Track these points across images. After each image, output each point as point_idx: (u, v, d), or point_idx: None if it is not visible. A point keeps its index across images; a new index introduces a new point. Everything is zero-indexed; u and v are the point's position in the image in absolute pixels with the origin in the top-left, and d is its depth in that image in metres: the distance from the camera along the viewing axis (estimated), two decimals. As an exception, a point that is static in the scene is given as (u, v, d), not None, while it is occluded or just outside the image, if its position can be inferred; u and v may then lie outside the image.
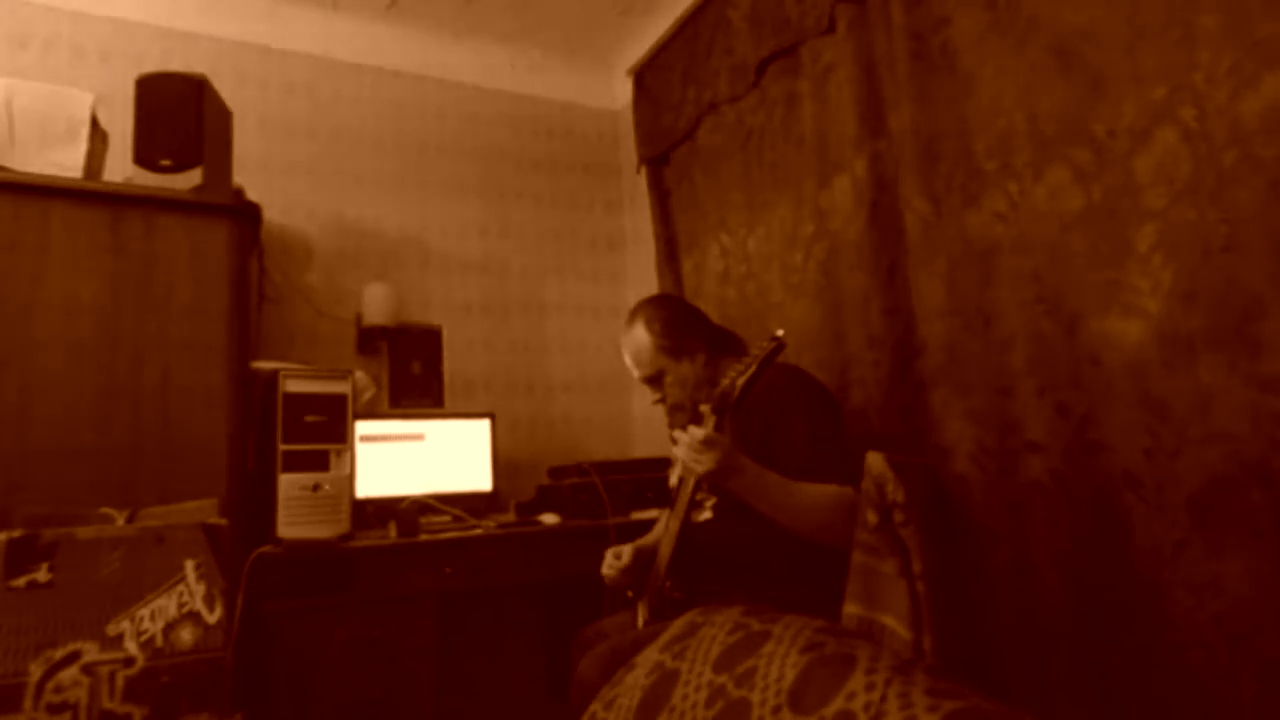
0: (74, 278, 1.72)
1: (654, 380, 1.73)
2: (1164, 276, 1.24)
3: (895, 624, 1.29)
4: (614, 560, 1.69)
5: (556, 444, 2.97)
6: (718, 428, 1.36)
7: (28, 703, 1.31)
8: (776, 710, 0.82)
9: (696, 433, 1.34)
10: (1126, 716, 1.27)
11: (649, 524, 2.11)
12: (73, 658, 1.36)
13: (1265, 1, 1.13)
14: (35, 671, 1.33)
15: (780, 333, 1.35)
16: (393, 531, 2.04)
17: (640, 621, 1.63)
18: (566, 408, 3.04)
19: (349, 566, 1.93)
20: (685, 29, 2.64)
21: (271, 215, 2.46)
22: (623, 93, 3.17)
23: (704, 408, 1.39)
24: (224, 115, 2.02)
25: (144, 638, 1.41)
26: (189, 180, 1.84)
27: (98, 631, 1.39)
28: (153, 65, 2.02)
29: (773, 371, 1.54)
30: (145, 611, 1.43)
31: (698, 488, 1.52)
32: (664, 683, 1.03)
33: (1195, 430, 1.19)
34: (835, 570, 1.40)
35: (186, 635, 1.44)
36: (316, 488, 1.92)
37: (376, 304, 2.63)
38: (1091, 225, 1.35)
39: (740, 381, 1.33)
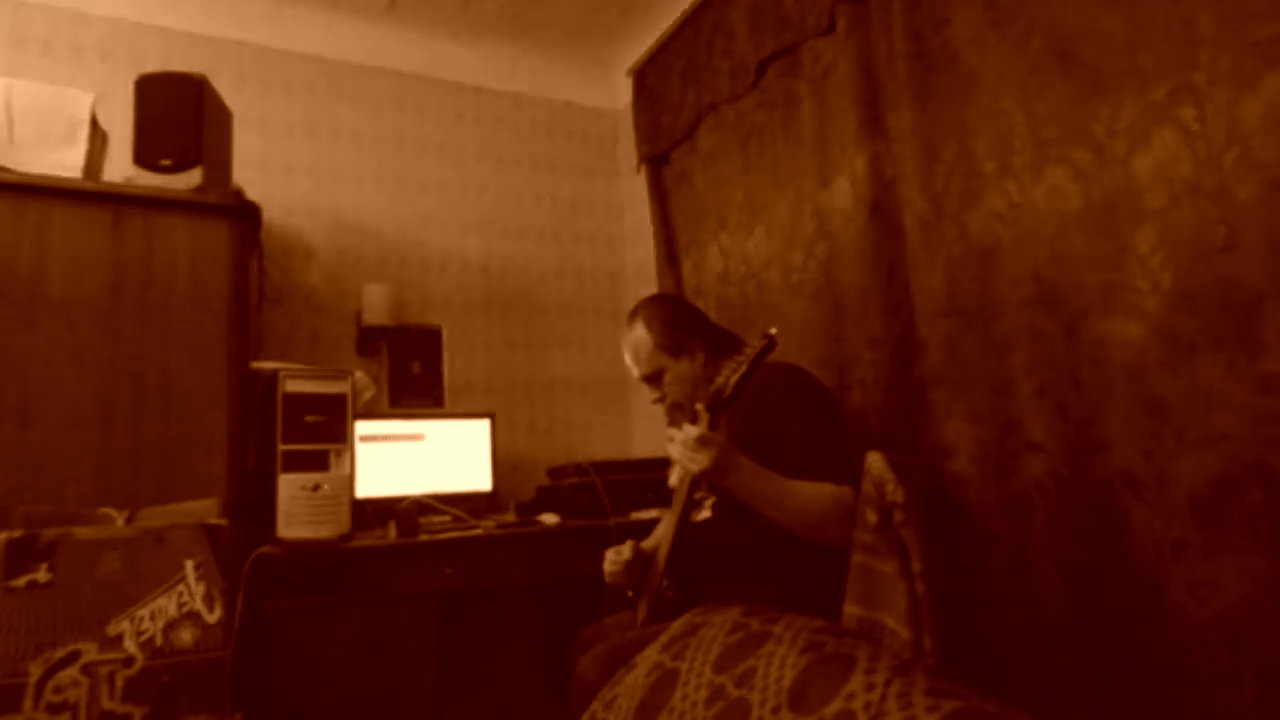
0: (74, 278, 1.72)
1: (653, 379, 1.73)
2: (1164, 276, 1.24)
3: (895, 624, 1.28)
4: (615, 557, 1.69)
5: (556, 444, 2.97)
6: (712, 426, 1.36)
7: (27, 703, 1.31)
8: (776, 710, 0.81)
9: (691, 431, 1.34)
10: (1126, 716, 1.27)
11: (649, 524, 2.11)
12: (72, 658, 1.36)
13: (1265, 1, 1.13)
14: (35, 671, 1.33)
15: (773, 330, 1.35)
16: (392, 531, 2.04)
17: (639, 621, 1.62)
18: (566, 408, 3.04)
19: (349, 566, 1.93)
20: (685, 29, 2.64)
21: (271, 215, 2.47)
22: (623, 93, 3.16)
23: (699, 406, 1.39)
24: (224, 115, 2.02)
25: (144, 638, 1.41)
26: (189, 180, 1.84)
27: (97, 631, 1.39)
28: (153, 65, 2.02)
29: (771, 370, 1.54)
30: (145, 611, 1.42)
31: (695, 486, 1.52)
32: (664, 683, 1.03)
33: (1195, 430, 1.19)
34: (835, 570, 1.40)
35: (186, 635, 1.44)
36: (316, 488, 1.92)
37: (376, 304, 2.63)
38: (1091, 225, 1.35)
39: (733, 380, 1.33)
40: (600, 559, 1.72)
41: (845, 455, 1.46)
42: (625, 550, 1.69)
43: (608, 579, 1.70)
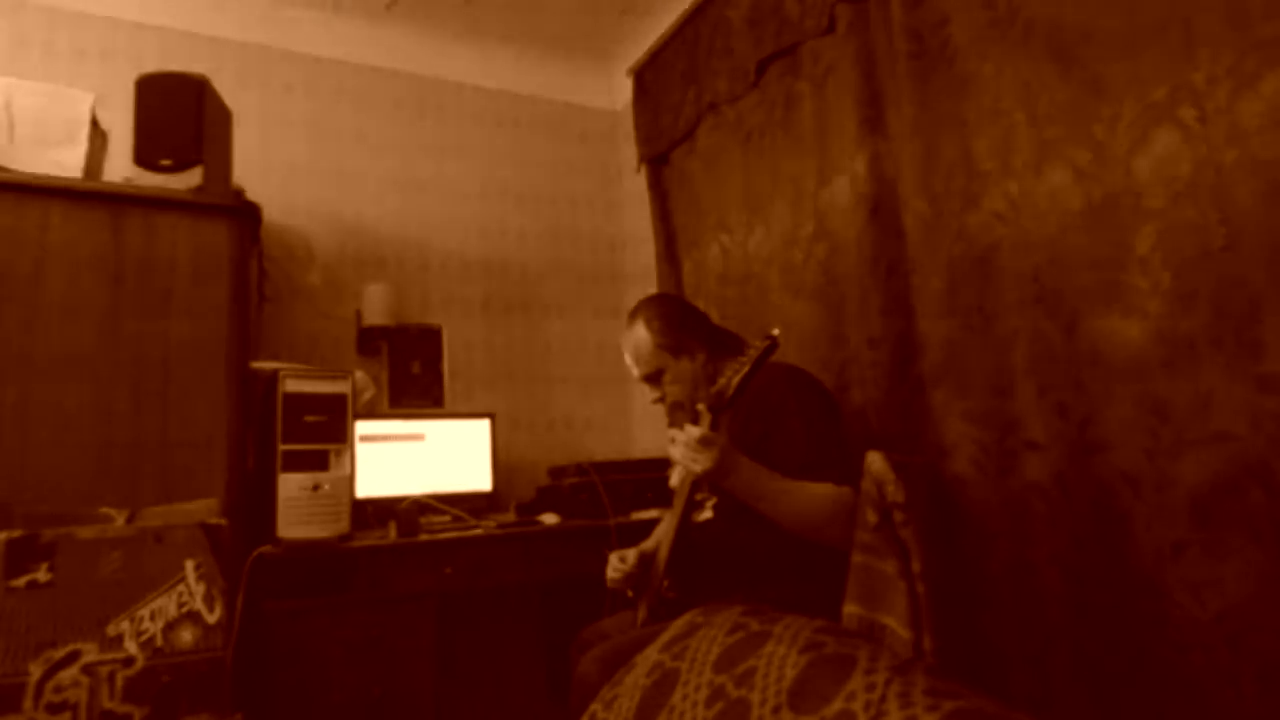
0: (74, 278, 1.72)
1: (653, 378, 1.73)
2: (1164, 276, 1.24)
3: (895, 624, 1.29)
4: (619, 564, 1.68)
5: (556, 444, 2.97)
6: (714, 426, 1.36)
7: (28, 703, 1.31)
8: (776, 710, 0.81)
9: (693, 431, 1.34)
10: (1126, 716, 1.27)
11: (649, 524, 2.10)
12: (73, 658, 1.36)
13: (1265, 1, 1.13)
14: (35, 671, 1.33)
15: (775, 331, 1.35)
16: (393, 531, 2.04)
17: (639, 622, 1.62)
18: (566, 408, 3.04)
19: (349, 566, 1.93)
20: (685, 29, 2.64)
21: (271, 215, 2.47)
22: (623, 93, 3.16)
23: (700, 406, 1.39)
24: (224, 115, 2.02)
25: (144, 638, 1.41)
26: (189, 180, 1.84)
27: (98, 631, 1.38)
28: (153, 65, 2.02)
29: (772, 371, 1.54)
30: (145, 611, 1.42)
31: (697, 487, 1.52)
32: (664, 683, 1.03)
33: (1195, 430, 1.19)
34: (835, 570, 1.40)
35: (186, 635, 1.44)
36: (316, 488, 1.92)
37: (376, 304, 2.63)
38: (1091, 225, 1.35)
39: (735, 380, 1.33)
40: (600, 558, 1.72)
41: (846, 456, 1.46)
42: (630, 558, 1.68)
43: (610, 584, 1.70)
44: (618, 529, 2.17)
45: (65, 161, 1.81)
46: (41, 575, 1.37)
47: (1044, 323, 1.42)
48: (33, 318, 1.68)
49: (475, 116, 3.07)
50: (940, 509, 1.49)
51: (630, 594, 1.72)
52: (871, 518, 1.34)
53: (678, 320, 1.73)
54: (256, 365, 2.03)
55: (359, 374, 2.34)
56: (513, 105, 3.15)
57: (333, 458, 1.99)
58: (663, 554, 1.59)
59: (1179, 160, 1.22)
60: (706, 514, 1.63)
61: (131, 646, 1.40)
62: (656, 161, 2.84)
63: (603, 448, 3.05)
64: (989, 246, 1.54)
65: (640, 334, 1.72)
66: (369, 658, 1.89)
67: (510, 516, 2.38)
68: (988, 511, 1.49)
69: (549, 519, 2.27)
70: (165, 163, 1.83)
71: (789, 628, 0.97)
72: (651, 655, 1.14)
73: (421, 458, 2.47)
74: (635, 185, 3.07)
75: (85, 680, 1.35)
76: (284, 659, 1.81)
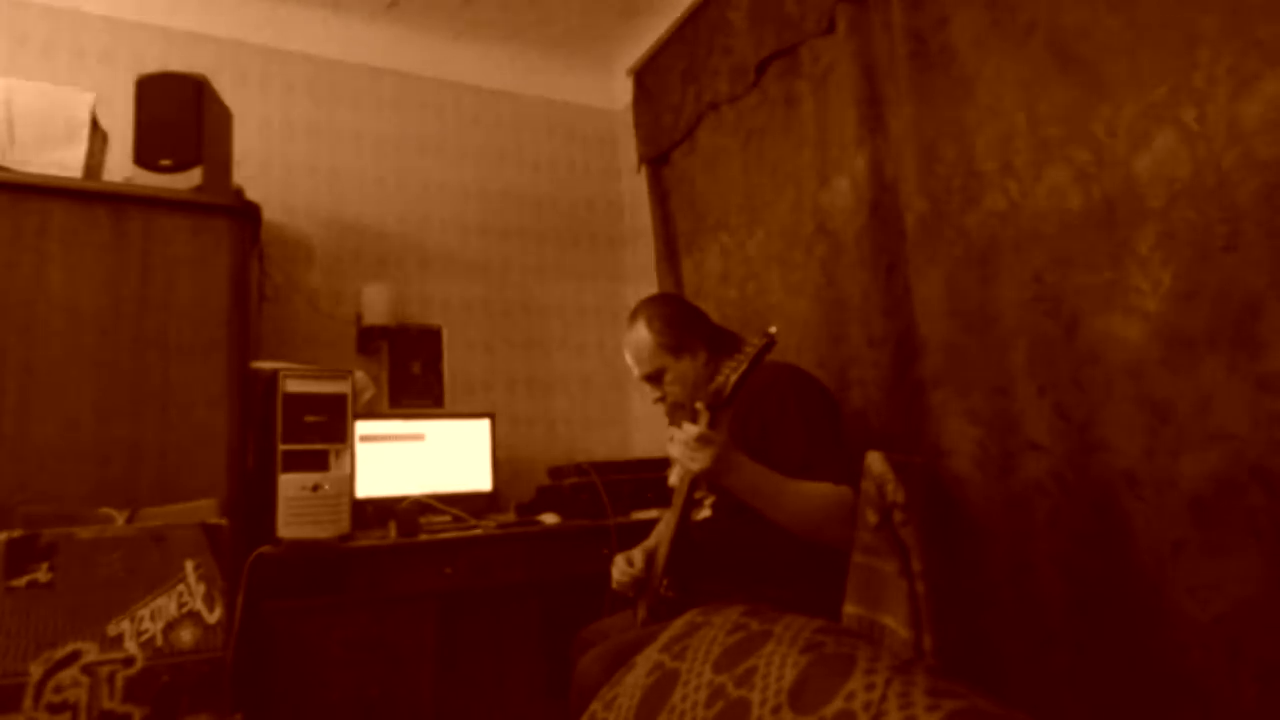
0: (74, 278, 1.72)
1: (654, 378, 1.73)
2: (1164, 276, 1.24)
3: (895, 624, 1.29)
4: (626, 567, 1.68)
5: (556, 444, 2.97)
6: (712, 425, 1.36)
7: (28, 702, 1.31)
8: (776, 710, 0.82)
9: (691, 430, 1.34)
10: (1126, 716, 1.27)
11: (649, 524, 2.10)
12: (73, 658, 1.36)
13: (1265, 1, 1.13)
14: (35, 671, 1.33)
15: (773, 329, 1.35)
16: (393, 531, 2.04)
17: (639, 621, 1.62)
18: (566, 408, 3.04)
19: (349, 566, 1.93)
20: (685, 29, 2.64)
21: (271, 215, 2.47)
22: (623, 93, 3.16)
23: (699, 405, 1.40)
24: (224, 115, 2.02)
25: (144, 638, 1.41)
26: (189, 180, 1.84)
27: (98, 631, 1.39)
28: (153, 65, 2.02)
29: (772, 370, 1.54)
30: (145, 611, 1.43)
31: (696, 486, 1.52)
32: (664, 683, 1.03)
33: (1195, 430, 1.19)
34: (835, 570, 1.40)
35: (186, 635, 1.44)
36: (316, 488, 1.92)
37: (376, 304, 2.63)
38: (1091, 225, 1.35)
39: (733, 378, 1.33)
40: (600, 558, 1.72)
41: (846, 456, 1.46)
42: (638, 560, 1.68)
43: (615, 586, 1.70)
44: (618, 529, 2.17)
45: (65, 161, 1.81)
46: (41, 575, 1.37)
47: (1044, 323, 1.42)
48: (33, 318, 1.68)
49: (475, 116, 3.07)
50: (940, 509, 1.49)
51: (631, 593, 1.72)
52: (871, 518, 1.34)
53: (678, 320, 1.73)
54: (256, 365, 2.03)
55: (359, 374, 2.34)
56: (513, 105, 3.15)
57: (333, 458, 1.99)
58: (662, 553, 1.59)
59: (1179, 160, 1.22)
60: (705, 512, 1.63)
61: (131, 646, 1.40)
62: (657, 162, 2.84)
63: (602, 448, 3.05)
64: (989, 246, 1.54)
65: (641, 334, 1.72)
66: (369, 658, 1.89)
67: (510, 516, 2.38)
68: (988, 511, 1.49)
69: (549, 519, 2.27)
70: (165, 163, 1.83)
71: (789, 628, 0.97)
72: (651, 655, 1.14)
73: (421, 458, 2.47)
74: (635, 185, 3.07)
75: (85, 680, 1.36)
76: (284, 659, 1.81)
